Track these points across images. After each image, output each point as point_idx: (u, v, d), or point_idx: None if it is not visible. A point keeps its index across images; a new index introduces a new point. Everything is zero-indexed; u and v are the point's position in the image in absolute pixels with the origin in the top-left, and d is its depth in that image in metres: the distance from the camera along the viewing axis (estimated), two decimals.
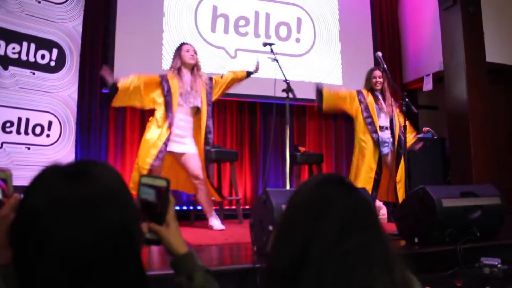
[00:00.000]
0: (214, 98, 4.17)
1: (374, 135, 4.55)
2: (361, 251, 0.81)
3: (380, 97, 4.70)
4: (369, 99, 4.65)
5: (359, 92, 4.72)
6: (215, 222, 3.95)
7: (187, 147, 3.91)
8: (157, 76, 3.97)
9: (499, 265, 2.46)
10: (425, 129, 6.08)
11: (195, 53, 4.07)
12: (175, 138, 3.87)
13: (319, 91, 4.62)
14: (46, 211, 0.74)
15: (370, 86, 4.72)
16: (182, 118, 3.92)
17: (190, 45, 4.12)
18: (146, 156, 3.77)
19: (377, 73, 4.70)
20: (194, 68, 4.06)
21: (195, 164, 3.91)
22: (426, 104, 6.91)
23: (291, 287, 0.81)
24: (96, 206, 0.76)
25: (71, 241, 0.73)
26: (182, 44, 4.12)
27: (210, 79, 4.16)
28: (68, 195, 0.75)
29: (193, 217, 4.64)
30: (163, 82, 3.92)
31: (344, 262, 0.79)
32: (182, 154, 3.92)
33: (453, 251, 2.79)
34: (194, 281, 1.01)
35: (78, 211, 0.74)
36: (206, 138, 3.96)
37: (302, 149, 5.32)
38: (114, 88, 3.77)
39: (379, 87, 4.69)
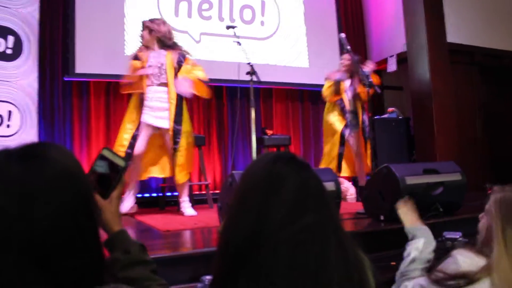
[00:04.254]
0: None
1: (346, 116, 4.75)
2: (314, 229, 0.81)
3: (347, 80, 4.79)
4: (342, 88, 4.80)
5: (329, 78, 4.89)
6: (187, 209, 3.93)
7: (163, 121, 3.83)
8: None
9: (460, 238, 2.53)
10: (390, 109, 6.18)
11: (163, 23, 4.00)
12: (150, 111, 3.82)
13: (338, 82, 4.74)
14: (1, 196, 0.72)
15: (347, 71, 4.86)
16: (156, 91, 3.84)
17: (161, 19, 4.08)
18: (119, 143, 3.78)
19: (344, 56, 4.79)
20: (161, 41, 3.95)
21: (168, 142, 3.89)
22: (391, 84, 7.01)
23: (243, 266, 0.80)
24: (52, 187, 0.75)
25: (30, 226, 0.71)
26: (151, 20, 4.03)
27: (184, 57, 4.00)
28: (22, 177, 0.74)
29: (162, 203, 4.61)
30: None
31: (297, 240, 0.79)
32: (159, 128, 3.87)
33: None
34: (130, 254, 1.03)
35: (34, 193, 0.73)
36: (176, 115, 3.84)
37: (269, 132, 5.34)
38: None
39: (343, 69, 4.77)
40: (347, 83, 4.83)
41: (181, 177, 3.89)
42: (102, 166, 1.05)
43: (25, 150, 0.79)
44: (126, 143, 3.77)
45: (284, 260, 0.78)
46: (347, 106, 4.78)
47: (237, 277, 0.80)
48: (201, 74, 3.98)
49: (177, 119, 3.83)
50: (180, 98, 3.88)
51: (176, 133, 3.83)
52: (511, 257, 1.13)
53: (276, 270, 0.78)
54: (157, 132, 3.91)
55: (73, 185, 0.79)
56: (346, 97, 4.79)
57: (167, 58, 3.88)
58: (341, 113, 4.81)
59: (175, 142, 3.83)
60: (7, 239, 0.70)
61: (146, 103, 3.83)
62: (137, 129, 3.81)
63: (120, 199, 1.07)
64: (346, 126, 4.76)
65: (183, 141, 3.85)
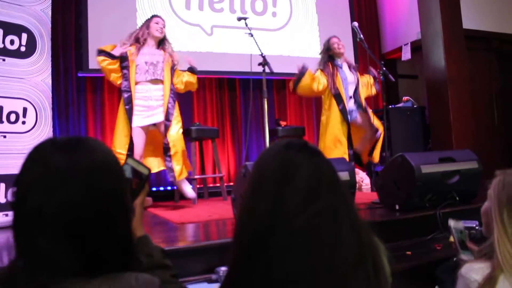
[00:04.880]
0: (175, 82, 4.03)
1: (340, 106, 4.50)
2: (328, 213, 0.82)
3: (342, 65, 4.62)
4: (335, 71, 4.56)
5: (322, 69, 4.63)
6: (188, 189, 3.95)
7: (157, 117, 3.84)
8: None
9: (477, 227, 2.50)
10: (405, 98, 6.11)
11: (164, 27, 3.96)
12: (141, 111, 3.82)
13: (303, 73, 4.48)
14: (44, 180, 0.78)
15: (331, 55, 4.61)
16: (148, 89, 3.84)
17: (161, 18, 4.02)
18: (119, 146, 3.81)
19: (335, 39, 4.61)
20: (164, 42, 3.96)
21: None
22: (405, 73, 6.92)
23: (258, 254, 0.81)
24: (93, 175, 0.81)
25: (68, 208, 0.77)
26: (152, 16, 4.03)
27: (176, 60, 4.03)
28: (64, 164, 0.79)
29: (177, 196, 4.63)
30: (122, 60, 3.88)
31: (312, 224, 0.80)
32: (153, 125, 3.88)
33: (433, 216, 2.83)
34: (153, 257, 1.10)
35: (76, 180, 0.79)
36: (167, 113, 3.83)
37: (283, 123, 5.32)
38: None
39: (342, 50, 4.58)
40: (345, 69, 4.63)
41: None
42: (127, 171, 1.09)
43: (68, 141, 0.86)
44: (124, 151, 3.80)
45: (299, 246, 0.79)
46: (346, 94, 4.54)
47: (253, 266, 0.81)
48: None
49: (168, 118, 3.84)
50: (173, 95, 3.91)
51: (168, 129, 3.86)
52: (510, 236, 1.14)
53: (291, 256, 0.79)
54: (152, 128, 3.93)
55: (110, 174, 0.85)
56: (343, 84, 4.55)
57: (165, 56, 3.90)
58: (340, 112, 4.53)
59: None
60: (44, 213, 0.76)
61: (138, 102, 3.82)
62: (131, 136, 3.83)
63: (143, 206, 1.12)
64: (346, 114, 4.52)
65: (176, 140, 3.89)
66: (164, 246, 2.17)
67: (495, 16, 5.92)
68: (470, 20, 5.60)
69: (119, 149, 3.79)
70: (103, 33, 4.94)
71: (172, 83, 3.94)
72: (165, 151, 3.83)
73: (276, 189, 0.83)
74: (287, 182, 0.83)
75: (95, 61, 4.88)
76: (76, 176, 0.79)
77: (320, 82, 4.52)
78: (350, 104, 4.57)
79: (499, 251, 1.14)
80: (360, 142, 4.67)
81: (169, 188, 5.09)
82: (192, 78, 4.11)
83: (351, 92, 4.58)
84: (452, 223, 1.70)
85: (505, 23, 5.99)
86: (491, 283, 1.14)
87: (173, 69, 3.97)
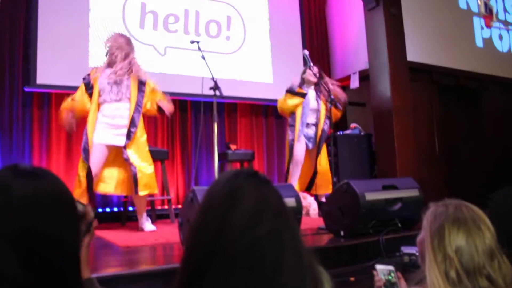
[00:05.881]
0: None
1: (302, 132, 4.74)
2: (271, 238, 0.85)
3: (311, 93, 4.85)
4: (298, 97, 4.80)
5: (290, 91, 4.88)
6: (146, 224, 3.87)
7: (119, 139, 3.76)
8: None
9: (417, 253, 2.59)
10: (352, 125, 6.30)
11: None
12: (106, 128, 3.75)
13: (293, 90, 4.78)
14: (5, 207, 0.81)
15: (303, 83, 4.86)
16: (115, 108, 3.78)
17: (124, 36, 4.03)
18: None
19: (314, 69, 4.80)
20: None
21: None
22: (353, 101, 7.14)
23: (203, 277, 0.83)
24: (54, 202, 0.85)
25: (29, 232, 0.80)
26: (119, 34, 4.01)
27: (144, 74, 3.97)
28: (29, 190, 0.83)
29: (124, 218, 4.53)
30: (86, 81, 3.83)
31: (255, 247, 0.83)
32: (115, 147, 3.80)
33: (377, 242, 2.91)
34: None
35: (40, 205, 0.82)
36: (128, 131, 3.76)
37: (233, 146, 5.34)
38: None
39: (314, 79, 4.80)
40: (311, 95, 4.86)
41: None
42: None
43: (29, 168, 0.89)
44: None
45: (242, 269, 0.82)
46: (302, 119, 4.78)
47: None
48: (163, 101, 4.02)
49: (129, 136, 3.78)
50: (137, 117, 3.83)
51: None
52: (440, 265, 1.19)
53: (234, 278, 0.81)
54: (112, 149, 3.84)
55: (66, 202, 0.89)
56: (303, 109, 4.79)
57: (131, 75, 3.83)
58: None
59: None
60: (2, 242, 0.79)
61: (104, 119, 3.76)
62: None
63: (89, 247, 1.14)
64: (308, 140, 4.78)
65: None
66: (108, 271, 2.11)
67: (436, 50, 6.25)
68: (414, 53, 5.88)
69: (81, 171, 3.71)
70: (53, 48, 4.84)
71: (138, 102, 3.84)
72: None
73: (223, 213, 0.86)
74: (234, 207, 0.87)
75: (43, 76, 4.78)
76: (39, 204, 0.83)
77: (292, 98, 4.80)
78: (309, 132, 4.80)
79: (429, 277, 1.20)
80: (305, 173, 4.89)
81: (115, 209, 4.97)
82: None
83: (311, 120, 4.79)
84: (378, 268, 1.76)
85: (445, 57, 6.34)
86: None
87: (142, 84, 3.88)
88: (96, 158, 3.72)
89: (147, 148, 3.90)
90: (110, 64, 3.84)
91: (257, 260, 0.83)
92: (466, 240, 1.19)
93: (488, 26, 7.19)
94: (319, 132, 4.81)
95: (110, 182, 3.88)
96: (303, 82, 4.91)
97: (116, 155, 3.87)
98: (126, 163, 3.80)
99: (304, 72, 4.93)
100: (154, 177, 3.86)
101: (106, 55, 3.89)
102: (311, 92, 4.88)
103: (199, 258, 0.86)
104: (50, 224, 0.83)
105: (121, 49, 3.84)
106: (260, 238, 0.84)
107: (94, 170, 3.69)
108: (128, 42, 3.94)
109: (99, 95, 3.78)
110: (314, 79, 4.81)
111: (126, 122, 3.78)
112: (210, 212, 0.90)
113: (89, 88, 3.81)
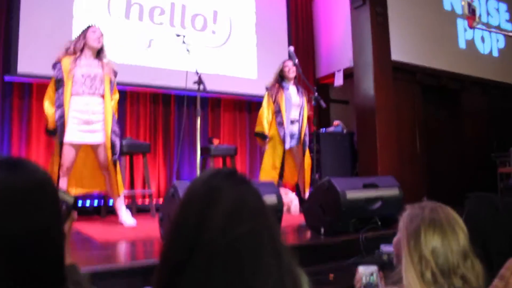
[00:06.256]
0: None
1: (280, 129, 4.67)
2: (250, 237, 0.85)
3: (290, 88, 4.80)
4: (280, 93, 4.74)
5: (269, 90, 4.82)
6: (126, 217, 3.83)
7: (95, 136, 3.70)
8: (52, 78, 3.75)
9: None
10: (335, 122, 6.33)
11: (102, 36, 3.81)
12: (77, 124, 3.65)
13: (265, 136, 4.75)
14: None
15: (281, 77, 4.80)
16: (86, 102, 3.68)
17: (98, 28, 3.85)
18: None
19: (289, 62, 4.78)
20: (100, 53, 3.82)
21: (102, 155, 3.74)
22: (337, 98, 7.19)
23: (181, 275, 0.83)
24: (30, 194, 0.83)
25: (5, 228, 0.78)
26: (89, 26, 3.85)
27: (115, 75, 3.90)
28: (7, 183, 0.81)
29: (104, 212, 4.49)
30: (56, 70, 3.71)
31: (233, 247, 0.83)
32: (90, 145, 3.75)
33: (356, 240, 2.93)
34: (82, 286, 1.09)
35: (17, 199, 0.81)
36: (111, 130, 3.72)
37: (216, 141, 5.32)
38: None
39: (291, 74, 4.77)
40: (292, 91, 4.80)
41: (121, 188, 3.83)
42: None
43: (8, 160, 0.88)
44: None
45: (220, 268, 0.81)
46: (287, 116, 4.72)
47: (175, 286, 0.83)
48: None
49: (114, 130, 3.73)
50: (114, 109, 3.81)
51: (114, 145, 3.73)
52: (416, 266, 1.21)
53: (213, 277, 0.81)
54: (87, 146, 3.78)
55: (48, 193, 0.87)
56: (286, 105, 4.72)
57: (104, 69, 3.77)
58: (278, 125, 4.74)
59: (115, 153, 3.72)
60: None
61: (74, 114, 3.64)
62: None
63: (70, 233, 1.13)
64: (291, 137, 4.75)
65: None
66: (86, 266, 2.09)
67: (419, 50, 6.31)
68: (398, 52, 5.93)
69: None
70: (35, 37, 4.75)
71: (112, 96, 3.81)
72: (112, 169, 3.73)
73: (200, 212, 0.86)
74: (212, 205, 0.86)
75: (24, 65, 4.69)
76: (12, 195, 0.81)
77: (268, 113, 4.74)
78: (294, 129, 4.74)
79: (405, 278, 1.22)
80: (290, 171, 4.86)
81: (95, 202, 4.91)
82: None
83: (294, 115, 4.74)
84: (361, 269, 1.78)
85: (428, 57, 6.41)
86: None
87: (112, 83, 3.83)
88: (69, 156, 3.64)
89: None
90: (81, 52, 3.74)
91: (236, 260, 0.83)
92: (441, 241, 1.21)
93: (471, 26, 7.26)
94: (303, 129, 4.78)
95: (86, 183, 3.86)
96: (282, 79, 4.82)
97: (88, 152, 3.83)
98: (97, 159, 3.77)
99: (280, 70, 4.83)
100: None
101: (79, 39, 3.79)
102: (292, 88, 4.82)
103: (178, 255, 0.85)
104: (31, 217, 0.81)
105: (99, 41, 3.79)
106: (238, 238, 0.84)
107: (65, 165, 3.63)
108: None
109: (72, 86, 3.67)
110: (293, 74, 4.78)
111: (100, 118, 3.71)
112: (188, 210, 0.90)
113: (60, 85, 3.68)
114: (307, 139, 4.78)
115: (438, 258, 1.20)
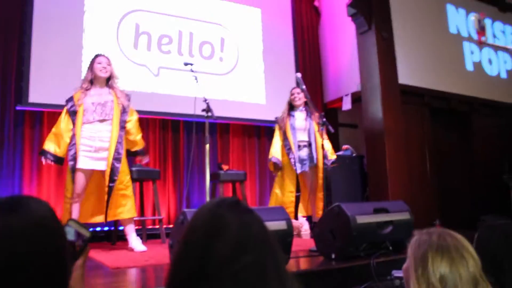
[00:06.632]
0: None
1: (290, 155, 4.69)
2: (255, 267, 0.86)
3: (299, 114, 4.82)
4: (286, 120, 4.80)
5: (277, 120, 4.92)
6: (136, 244, 3.83)
7: (101, 163, 3.74)
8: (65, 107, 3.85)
9: None
10: (344, 146, 6.32)
11: (109, 65, 3.88)
12: (87, 151, 3.71)
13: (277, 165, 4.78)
14: None
15: (290, 105, 4.86)
16: (96, 129, 3.75)
17: (104, 56, 3.93)
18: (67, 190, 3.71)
19: (295, 90, 4.84)
20: (109, 81, 3.89)
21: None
22: (346, 122, 7.20)
23: None
24: (29, 236, 0.83)
25: (6, 268, 0.79)
26: (95, 56, 3.93)
27: (128, 99, 3.96)
28: (6, 225, 0.82)
29: (114, 237, 4.49)
30: (69, 104, 3.82)
31: (239, 277, 0.84)
32: (95, 171, 3.80)
33: (368, 265, 2.90)
34: None
35: (12, 240, 0.81)
36: (114, 156, 3.75)
37: (225, 167, 5.34)
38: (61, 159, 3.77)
39: (298, 102, 4.81)
40: (299, 117, 4.81)
41: (128, 212, 3.81)
42: (69, 233, 1.12)
43: (6, 202, 0.88)
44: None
45: None
46: (294, 141, 4.72)
47: None
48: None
49: (117, 157, 3.76)
50: (121, 137, 3.83)
51: (114, 171, 3.74)
52: None
53: None
54: (97, 173, 3.83)
55: (48, 236, 0.87)
56: (291, 131, 4.75)
57: (115, 95, 3.85)
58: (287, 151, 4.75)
59: (112, 180, 3.73)
60: None
61: (84, 141, 3.72)
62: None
63: (84, 267, 1.15)
64: (301, 162, 4.73)
65: (123, 177, 3.78)
66: None
67: (427, 73, 6.34)
68: (405, 76, 5.96)
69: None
70: (46, 67, 4.87)
71: (122, 122, 3.84)
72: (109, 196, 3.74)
73: (206, 242, 0.87)
74: (216, 236, 0.87)
75: (36, 95, 4.78)
76: (9, 238, 0.81)
77: (277, 141, 4.83)
78: (302, 153, 4.73)
79: None
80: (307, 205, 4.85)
81: (106, 228, 4.92)
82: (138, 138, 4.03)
83: (301, 140, 4.74)
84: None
85: (437, 80, 6.42)
86: None
87: (125, 108, 3.87)
88: (79, 183, 3.70)
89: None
90: (90, 83, 3.84)
91: None
92: (449, 268, 1.19)
93: (481, 42, 7.31)
94: (319, 153, 4.70)
95: (98, 212, 3.87)
96: (291, 107, 4.88)
97: (99, 179, 3.86)
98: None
99: (289, 98, 4.91)
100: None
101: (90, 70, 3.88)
102: (298, 114, 4.84)
103: (184, 285, 0.86)
104: (33, 256, 0.82)
105: (106, 70, 3.87)
106: (244, 269, 0.84)
107: (77, 192, 3.68)
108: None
109: (83, 115, 3.76)
110: (300, 101, 4.82)
111: (106, 146, 3.75)
112: (192, 242, 0.90)
113: (73, 115, 3.77)
114: (321, 163, 4.66)
115: (447, 285, 1.18)
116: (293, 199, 4.67)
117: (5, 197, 0.90)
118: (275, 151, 4.76)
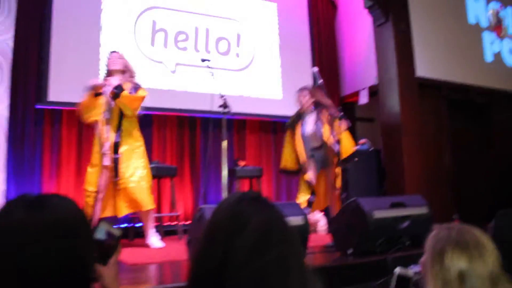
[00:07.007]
0: None
1: (305, 159, 4.74)
2: (278, 263, 0.86)
3: (309, 118, 4.79)
4: (297, 126, 4.83)
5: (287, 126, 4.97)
6: (154, 240, 3.88)
7: (106, 158, 3.78)
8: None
9: None
10: (361, 141, 6.26)
11: (120, 58, 3.91)
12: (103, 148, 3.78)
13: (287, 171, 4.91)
14: (6, 238, 0.81)
15: (298, 114, 4.90)
16: (105, 130, 3.81)
17: (116, 52, 3.98)
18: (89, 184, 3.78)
19: (301, 93, 4.85)
20: (126, 73, 3.89)
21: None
22: (363, 116, 7.15)
23: None
24: (52, 234, 0.83)
25: (27, 266, 0.79)
26: (109, 53, 4.02)
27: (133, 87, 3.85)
28: (25, 222, 0.83)
29: (131, 234, 4.55)
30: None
31: (261, 274, 0.84)
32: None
33: (384, 260, 2.89)
34: None
35: (35, 238, 0.81)
36: (114, 145, 3.79)
37: (241, 163, 5.36)
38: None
39: (306, 105, 4.80)
40: (309, 120, 4.79)
41: (147, 203, 3.81)
42: (100, 233, 1.16)
43: (34, 199, 0.89)
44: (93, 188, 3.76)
45: None
46: (306, 146, 4.76)
47: None
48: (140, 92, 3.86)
49: (115, 149, 3.78)
50: (120, 122, 3.83)
51: (116, 164, 3.77)
52: (441, 287, 1.19)
53: None
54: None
55: (72, 234, 0.87)
56: (302, 137, 4.77)
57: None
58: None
59: (116, 175, 3.77)
60: (6, 271, 0.79)
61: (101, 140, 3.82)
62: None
63: (117, 265, 1.18)
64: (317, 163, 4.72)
65: (129, 171, 3.78)
66: None
67: (445, 65, 6.24)
68: (423, 68, 5.88)
69: (90, 187, 3.76)
70: (65, 66, 4.94)
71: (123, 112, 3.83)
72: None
73: (227, 239, 0.87)
74: (238, 233, 0.87)
75: (55, 94, 4.86)
76: (34, 233, 0.82)
77: (287, 149, 4.92)
78: (317, 155, 4.76)
79: None
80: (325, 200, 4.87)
81: (123, 225, 4.98)
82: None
83: (314, 143, 4.75)
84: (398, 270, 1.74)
85: (454, 72, 6.33)
86: None
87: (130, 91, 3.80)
88: (102, 179, 3.77)
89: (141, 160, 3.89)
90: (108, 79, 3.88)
91: (264, 285, 0.83)
92: (467, 265, 1.18)
93: (500, 36, 7.18)
94: (330, 152, 4.67)
95: (117, 205, 3.89)
96: (300, 116, 4.87)
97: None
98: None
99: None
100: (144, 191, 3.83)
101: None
102: (309, 118, 4.80)
103: (204, 282, 0.86)
104: (59, 254, 0.83)
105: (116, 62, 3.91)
106: (266, 264, 0.85)
107: (100, 189, 3.76)
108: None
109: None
110: (307, 103, 4.79)
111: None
112: (213, 237, 0.90)
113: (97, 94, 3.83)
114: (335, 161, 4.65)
115: (465, 282, 1.16)
116: (307, 196, 4.74)
117: (34, 194, 0.91)
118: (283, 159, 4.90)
